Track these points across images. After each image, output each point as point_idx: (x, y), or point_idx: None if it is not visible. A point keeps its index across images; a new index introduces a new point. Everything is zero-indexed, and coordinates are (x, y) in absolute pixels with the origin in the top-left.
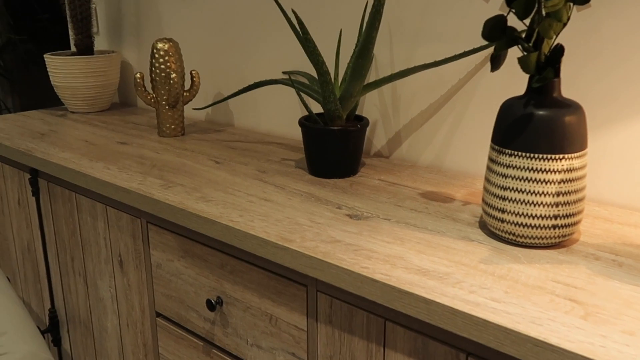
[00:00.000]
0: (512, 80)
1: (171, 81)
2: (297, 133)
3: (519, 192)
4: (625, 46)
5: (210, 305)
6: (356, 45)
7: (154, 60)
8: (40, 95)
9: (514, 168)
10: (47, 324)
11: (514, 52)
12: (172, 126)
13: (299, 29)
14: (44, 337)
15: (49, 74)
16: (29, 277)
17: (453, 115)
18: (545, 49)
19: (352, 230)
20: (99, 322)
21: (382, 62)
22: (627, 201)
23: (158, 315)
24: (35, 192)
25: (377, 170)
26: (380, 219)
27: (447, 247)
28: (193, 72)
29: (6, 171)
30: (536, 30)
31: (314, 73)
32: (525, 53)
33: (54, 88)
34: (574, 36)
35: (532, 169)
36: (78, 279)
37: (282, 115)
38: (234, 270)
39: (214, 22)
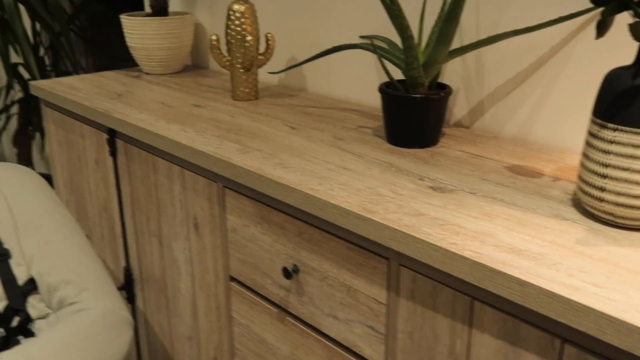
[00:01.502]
0: (610, 48)
1: (246, 44)
2: (372, 99)
3: (622, 170)
4: None
5: (287, 273)
6: (442, 9)
7: (229, 22)
8: (110, 55)
9: (617, 144)
10: (122, 281)
11: (620, 18)
12: (246, 90)
13: None
14: None
15: (125, 35)
16: (105, 235)
17: (542, 84)
18: None
19: (436, 204)
20: (172, 282)
21: (467, 27)
22: None
23: (232, 279)
24: (113, 152)
25: (458, 141)
26: (465, 192)
27: (538, 225)
28: (268, 34)
29: (85, 131)
30: None
31: (391, 37)
32: (637, 19)
33: (130, 49)
34: None
35: (638, 145)
36: (153, 239)
37: (357, 80)
38: (311, 239)
39: None
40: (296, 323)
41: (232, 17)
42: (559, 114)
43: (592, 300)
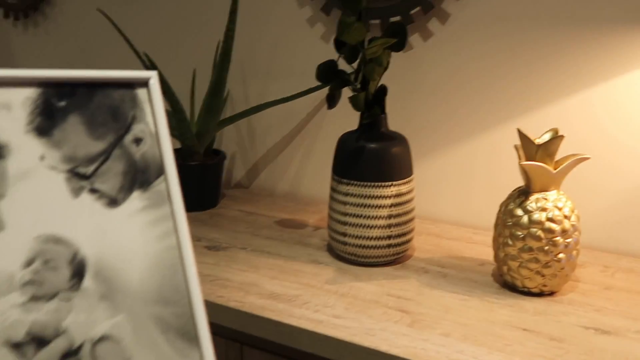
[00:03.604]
0: (354, 113)
1: None
2: None
3: (356, 217)
4: (445, 86)
5: None
6: (209, 84)
7: None
8: None
9: (351, 196)
10: None
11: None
12: None
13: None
14: None
15: None
16: None
17: (304, 145)
18: (372, 89)
19: (209, 262)
20: None
21: (238, 98)
22: (455, 218)
23: None
24: None
25: (237, 201)
26: (237, 248)
27: (297, 270)
28: None
29: None
30: (361, 73)
31: None
32: (355, 93)
33: None
34: (413, 75)
35: (366, 195)
36: None
37: None
38: None
39: (68, 56)
40: None
41: None
42: (320, 169)
43: (331, 330)
